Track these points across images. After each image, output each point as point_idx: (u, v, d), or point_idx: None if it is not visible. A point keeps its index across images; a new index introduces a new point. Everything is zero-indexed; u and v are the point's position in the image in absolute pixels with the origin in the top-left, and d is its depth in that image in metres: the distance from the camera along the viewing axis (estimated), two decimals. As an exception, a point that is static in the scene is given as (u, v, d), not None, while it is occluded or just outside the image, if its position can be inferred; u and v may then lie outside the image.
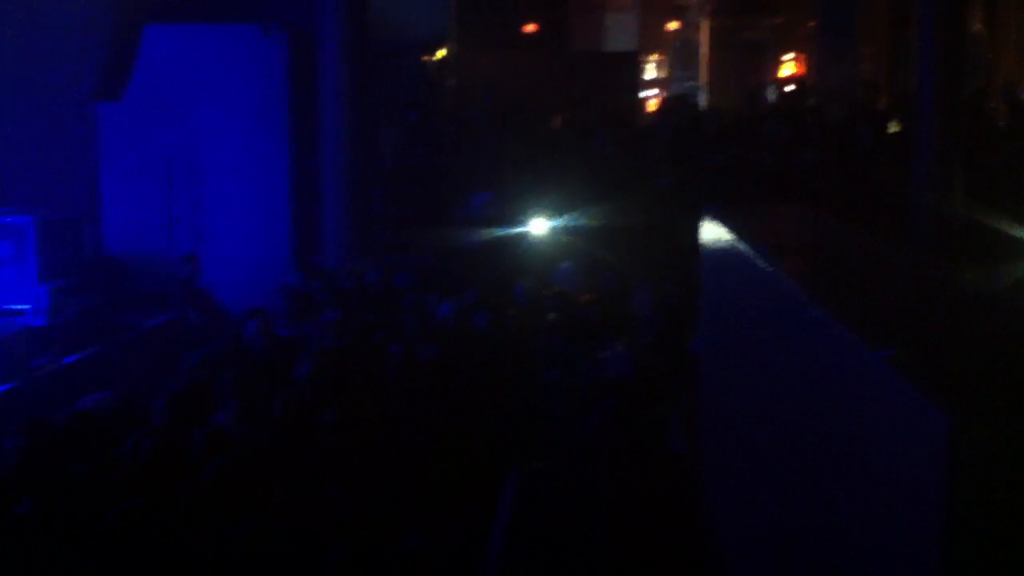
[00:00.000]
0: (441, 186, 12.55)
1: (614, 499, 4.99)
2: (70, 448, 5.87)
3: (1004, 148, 11.48)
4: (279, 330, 9.19)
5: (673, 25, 21.28)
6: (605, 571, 4.40)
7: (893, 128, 12.25)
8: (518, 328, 8.43)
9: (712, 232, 4.57)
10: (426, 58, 15.94)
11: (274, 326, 9.18)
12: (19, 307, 10.32)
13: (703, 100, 19.16)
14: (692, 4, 20.71)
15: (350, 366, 7.41)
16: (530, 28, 17.59)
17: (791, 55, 19.94)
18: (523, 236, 10.99)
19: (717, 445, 4.47)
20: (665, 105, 16.02)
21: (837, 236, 3.93)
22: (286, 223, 12.43)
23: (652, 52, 20.55)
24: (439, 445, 5.65)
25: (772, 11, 20.10)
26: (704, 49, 20.45)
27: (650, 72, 20.54)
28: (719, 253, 4.36)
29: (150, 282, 11.87)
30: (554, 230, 10.90)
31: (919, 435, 1.63)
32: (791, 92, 16.81)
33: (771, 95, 18.25)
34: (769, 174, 11.03)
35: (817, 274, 2.89)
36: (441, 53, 16.37)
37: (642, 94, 19.45)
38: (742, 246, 3.68)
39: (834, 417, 2.25)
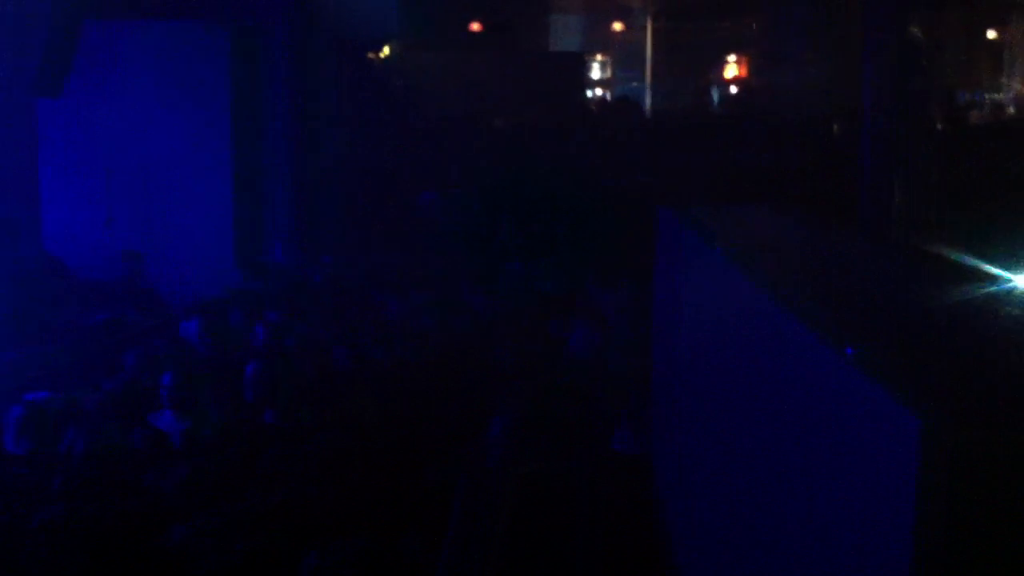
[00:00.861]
0: (389, 185, 12.49)
1: (566, 497, 4.98)
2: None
3: (944, 151, 11.63)
4: (222, 329, 9.09)
5: (618, 26, 21.36)
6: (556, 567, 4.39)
7: (837, 130, 12.39)
8: (464, 328, 8.40)
9: (666, 231, 4.57)
10: (371, 56, 15.86)
11: (217, 325, 9.08)
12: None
13: (647, 101, 19.26)
14: (638, 5, 20.80)
15: (295, 367, 7.35)
16: (475, 27, 17.58)
17: (734, 57, 20.08)
18: (474, 236, 10.95)
19: (670, 447, 4.46)
20: (610, 106, 16.07)
21: (795, 234, 3.94)
22: (230, 221, 12.28)
23: (597, 53, 20.62)
24: (388, 445, 5.62)
25: (718, 14, 20.23)
26: (648, 50, 20.54)
27: (595, 72, 20.60)
28: (674, 252, 4.36)
29: (91, 280, 11.68)
30: (506, 228, 10.87)
31: (887, 437, 1.62)
32: (736, 94, 16.94)
33: (715, 97, 18.40)
34: (718, 174, 11.10)
35: (777, 272, 2.88)
36: (385, 52, 16.30)
37: (587, 94, 19.55)
38: (698, 245, 3.68)
39: (795, 418, 2.24)
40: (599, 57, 20.72)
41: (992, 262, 2.73)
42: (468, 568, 4.36)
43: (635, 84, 20.40)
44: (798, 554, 2.21)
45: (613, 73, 20.95)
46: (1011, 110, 15.48)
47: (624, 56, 21.00)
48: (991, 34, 18.55)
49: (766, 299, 2.55)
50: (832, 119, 13.22)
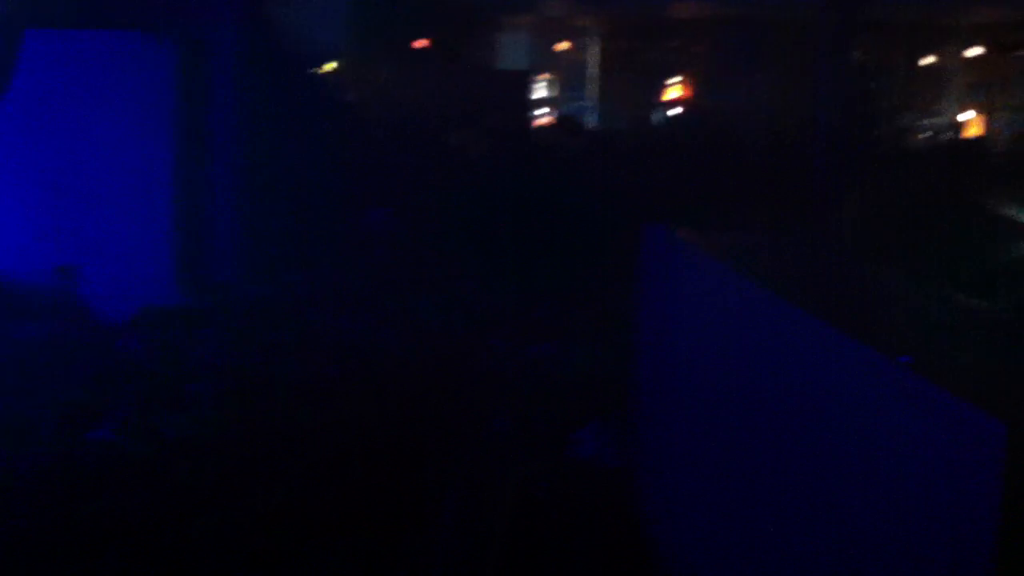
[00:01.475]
0: (338, 201, 12.37)
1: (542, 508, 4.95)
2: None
3: (888, 173, 11.78)
4: (161, 345, 8.93)
5: (564, 45, 21.44)
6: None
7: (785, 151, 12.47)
8: (418, 343, 8.33)
9: (658, 248, 4.57)
10: (320, 70, 15.75)
11: (157, 341, 8.93)
12: None
13: (593, 120, 19.33)
14: (585, 24, 20.90)
15: (242, 383, 7.24)
16: (422, 43, 17.52)
17: (678, 78, 20.24)
18: (423, 251, 10.87)
19: (661, 459, 4.42)
20: (555, 124, 16.09)
21: (789, 253, 3.95)
22: (170, 236, 12.07)
23: (543, 72, 20.67)
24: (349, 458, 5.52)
25: (665, 36, 20.39)
26: (594, 70, 20.64)
27: (540, 91, 20.65)
28: (668, 268, 4.35)
29: (27, 294, 11.42)
30: (458, 244, 10.81)
31: (967, 443, 1.60)
32: (679, 115, 17.04)
33: (660, 117, 18.52)
34: (664, 195, 11.12)
35: (797, 287, 2.88)
36: (330, 66, 16.20)
37: (532, 113, 19.56)
38: (704, 262, 3.68)
39: (838, 428, 2.21)
40: (546, 76, 20.77)
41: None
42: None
43: (580, 103, 20.48)
44: (852, 560, 2.17)
45: (560, 92, 21.02)
46: (949, 134, 15.78)
47: (570, 75, 21.08)
48: (929, 60, 18.90)
49: (798, 311, 2.54)
50: (773, 138, 13.33)
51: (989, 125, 18.07)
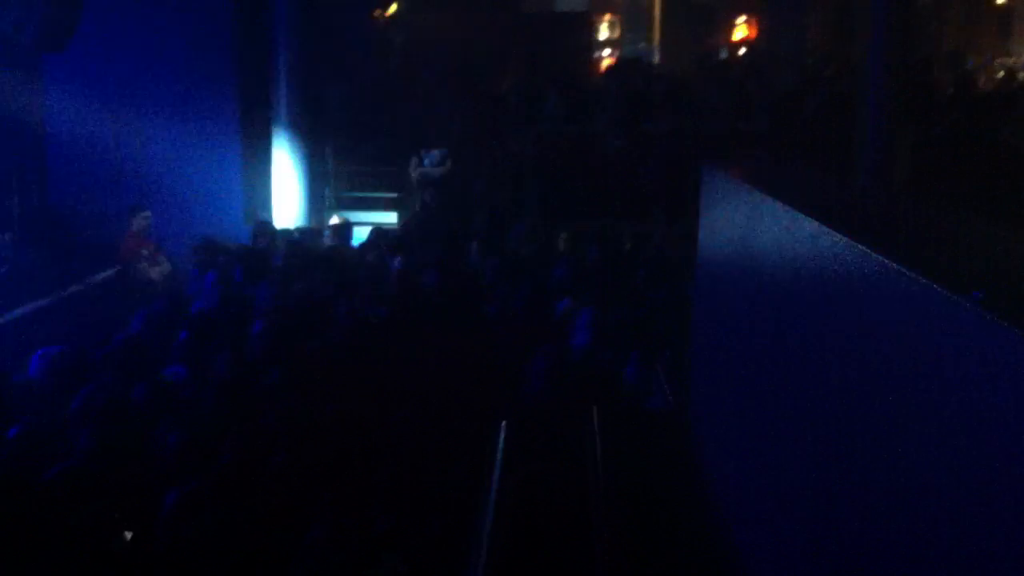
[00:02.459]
0: (392, 143, 12.50)
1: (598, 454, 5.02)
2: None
3: (948, 118, 11.64)
4: (229, 287, 9.15)
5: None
6: (597, 520, 4.45)
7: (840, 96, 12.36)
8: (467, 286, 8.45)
9: (717, 187, 4.60)
10: (377, 13, 15.83)
11: (224, 282, 9.14)
12: (-37, 258, 10.21)
13: (655, 62, 19.17)
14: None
15: (299, 325, 7.41)
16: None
17: (743, 18, 19.97)
18: (474, 196, 10.99)
19: (717, 401, 4.48)
20: (614, 67, 15.97)
21: (849, 192, 3.95)
22: (237, 178, 12.33)
23: (604, 13, 20.50)
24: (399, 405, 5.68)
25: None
26: (656, 11, 20.43)
27: (602, 33, 20.50)
28: (726, 208, 4.38)
29: (96, 235, 11.72)
30: (507, 190, 10.92)
31: None
32: (742, 56, 16.89)
33: (723, 58, 18.33)
34: (715, 140, 11.10)
35: (856, 225, 2.90)
36: (392, 9, 16.25)
37: (595, 55, 19.49)
38: (763, 202, 3.69)
39: (902, 367, 2.21)
40: (607, 17, 20.60)
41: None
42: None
43: (642, 45, 20.30)
44: (911, 502, 2.19)
45: (620, 34, 20.84)
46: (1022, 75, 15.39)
47: (631, 17, 20.88)
48: (1000, -1, 18.46)
49: (859, 249, 2.55)
50: (835, 80, 13.19)
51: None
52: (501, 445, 5.13)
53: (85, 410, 5.50)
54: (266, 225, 11.39)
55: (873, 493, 2.41)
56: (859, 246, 2.53)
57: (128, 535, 4.58)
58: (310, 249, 10.13)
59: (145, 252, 10.96)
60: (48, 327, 8.79)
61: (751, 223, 3.89)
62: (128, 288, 10.54)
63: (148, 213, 11.30)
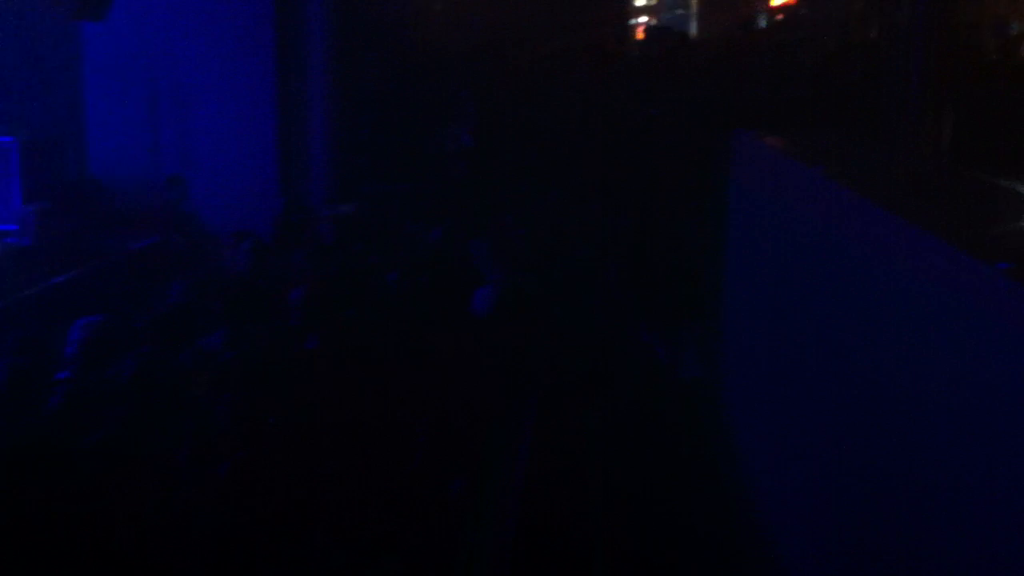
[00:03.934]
0: (424, 115, 12.44)
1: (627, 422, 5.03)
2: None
3: (995, 83, 11.44)
4: (267, 256, 9.18)
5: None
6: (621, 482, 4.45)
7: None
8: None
9: (752, 154, 4.55)
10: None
11: (262, 252, 9.17)
12: (5, 228, 10.28)
13: (693, 29, 19.00)
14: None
15: (339, 292, 7.43)
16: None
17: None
18: (503, 167, 10.91)
19: (745, 371, 4.46)
20: (649, 33, 15.81)
21: (879, 159, 3.92)
22: (272, 149, 12.32)
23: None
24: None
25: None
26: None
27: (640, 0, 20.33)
28: (762, 174, 4.34)
29: (134, 205, 11.78)
30: (538, 161, 10.84)
31: None
32: (781, 22, 16.68)
33: (762, 24, 18.13)
34: (759, 106, 10.96)
35: (888, 193, 2.86)
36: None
37: (632, 22, 19.31)
38: (793, 167, 3.65)
39: (932, 337, 2.18)
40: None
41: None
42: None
43: (680, 12, 20.12)
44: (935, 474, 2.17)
45: (659, 1, 20.66)
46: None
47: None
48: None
49: (897, 219, 2.51)
50: (875, 47, 12.99)
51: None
52: (527, 421, 5.13)
53: (127, 378, 5.53)
54: (302, 195, 11.40)
55: (898, 462, 2.39)
56: (895, 216, 2.49)
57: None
58: (347, 219, 10.13)
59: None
60: (86, 296, 8.85)
61: (783, 191, 3.85)
62: (166, 257, 10.60)
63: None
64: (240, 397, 5.48)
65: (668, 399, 5.71)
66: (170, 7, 12.04)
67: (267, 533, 4.52)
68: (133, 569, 4.33)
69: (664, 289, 7.28)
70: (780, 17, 17.85)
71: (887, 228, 2.56)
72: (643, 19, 20.03)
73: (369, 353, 6.31)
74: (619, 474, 5.01)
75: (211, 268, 9.20)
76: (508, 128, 11.29)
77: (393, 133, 12.17)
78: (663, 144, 10.72)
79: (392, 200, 10.55)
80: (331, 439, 5.15)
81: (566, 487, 4.60)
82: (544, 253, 8.44)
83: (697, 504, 4.58)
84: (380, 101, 12.37)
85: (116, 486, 4.63)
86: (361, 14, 12.65)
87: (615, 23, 17.60)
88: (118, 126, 12.21)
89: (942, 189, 3.17)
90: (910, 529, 2.34)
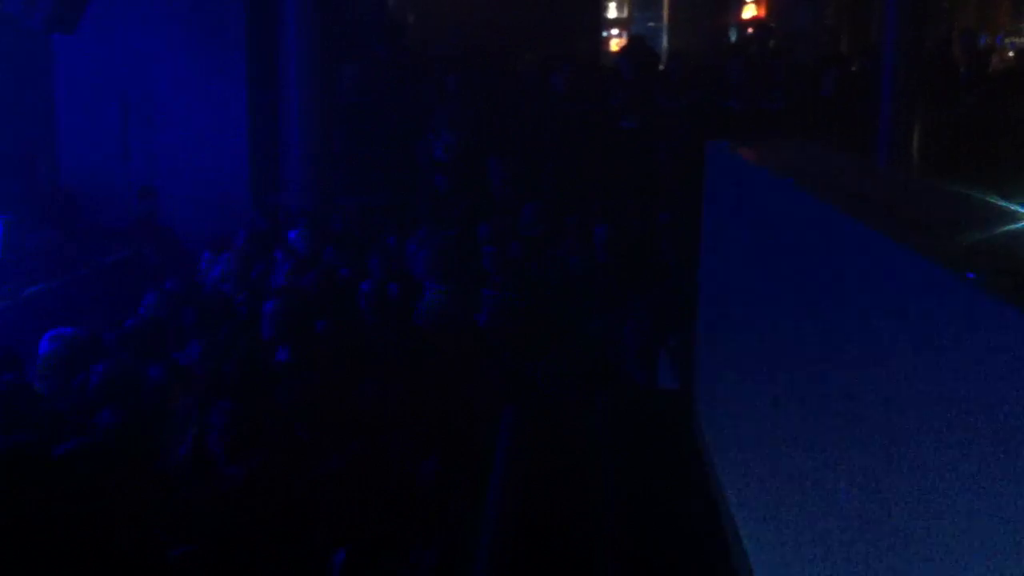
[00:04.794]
0: (402, 125, 12.41)
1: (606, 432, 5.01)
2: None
3: (964, 97, 11.56)
4: (239, 268, 9.14)
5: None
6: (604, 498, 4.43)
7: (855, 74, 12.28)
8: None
9: (722, 165, 4.56)
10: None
11: (234, 263, 9.14)
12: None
13: (665, 42, 19.09)
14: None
15: (312, 305, 7.40)
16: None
17: (753, -3, 19.83)
18: (486, 177, 10.91)
19: (721, 381, 4.46)
20: (628, 45, 15.87)
21: (851, 170, 3.93)
22: (244, 160, 12.27)
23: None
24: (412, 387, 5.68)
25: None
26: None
27: (612, 12, 20.40)
28: (730, 186, 4.35)
29: (107, 217, 11.72)
30: (520, 171, 10.84)
31: None
32: (753, 35, 16.76)
33: (733, 37, 18.24)
34: (734, 119, 11.02)
35: (858, 202, 2.87)
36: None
37: (605, 34, 19.39)
38: (764, 177, 3.66)
39: (901, 347, 2.19)
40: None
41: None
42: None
43: (651, 24, 20.18)
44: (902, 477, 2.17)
45: (630, 13, 20.72)
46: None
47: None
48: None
49: (866, 229, 2.52)
50: (848, 59, 13.09)
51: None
52: (506, 431, 5.11)
53: (102, 388, 5.49)
54: (272, 207, 11.35)
55: (873, 478, 2.39)
56: (864, 226, 2.50)
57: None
58: (320, 230, 10.10)
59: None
60: (58, 308, 8.78)
61: (755, 203, 3.86)
62: (139, 269, 10.53)
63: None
64: (219, 407, 5.45)
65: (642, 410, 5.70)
66: (141, 18, 11.99)
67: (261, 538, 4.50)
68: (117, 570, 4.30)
69: (639, 299, 7.28)
70: (751, 31, 17.94)
71: (857, 238, 2.57)
72: (615, 31, 20.10)
73: (341, 363, 6.29)
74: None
75: (184, 280, 9.14)
76: (486, 139, 11.29)
77: (371, 144, 12.13)
78: (638, 156, 10.77)
79: (369, 212, 10.53)
80: (305, 447, 5.13)
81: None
82: (514, 264, 8.43)
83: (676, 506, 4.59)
84: (358, 112, 12.35)
85: (89, 495, 4.59)
86: (339, 23, 12.63)
87: (588, 36, 17.67)
88: (90, 137, 12.15)
89: (913, 199, 3.17)
90: (880, 544, 2.35)
